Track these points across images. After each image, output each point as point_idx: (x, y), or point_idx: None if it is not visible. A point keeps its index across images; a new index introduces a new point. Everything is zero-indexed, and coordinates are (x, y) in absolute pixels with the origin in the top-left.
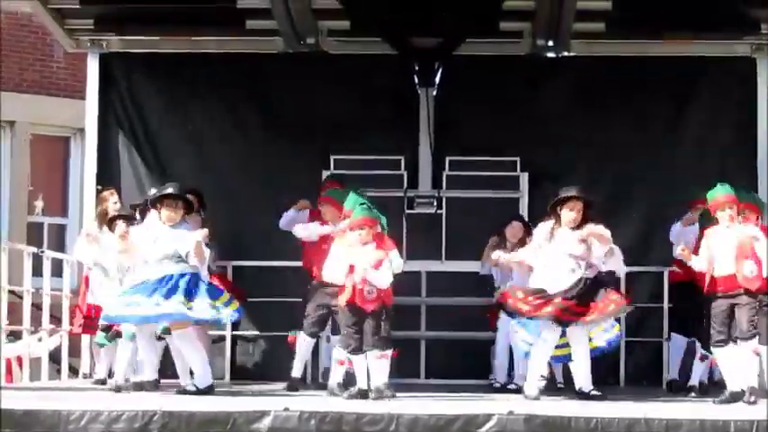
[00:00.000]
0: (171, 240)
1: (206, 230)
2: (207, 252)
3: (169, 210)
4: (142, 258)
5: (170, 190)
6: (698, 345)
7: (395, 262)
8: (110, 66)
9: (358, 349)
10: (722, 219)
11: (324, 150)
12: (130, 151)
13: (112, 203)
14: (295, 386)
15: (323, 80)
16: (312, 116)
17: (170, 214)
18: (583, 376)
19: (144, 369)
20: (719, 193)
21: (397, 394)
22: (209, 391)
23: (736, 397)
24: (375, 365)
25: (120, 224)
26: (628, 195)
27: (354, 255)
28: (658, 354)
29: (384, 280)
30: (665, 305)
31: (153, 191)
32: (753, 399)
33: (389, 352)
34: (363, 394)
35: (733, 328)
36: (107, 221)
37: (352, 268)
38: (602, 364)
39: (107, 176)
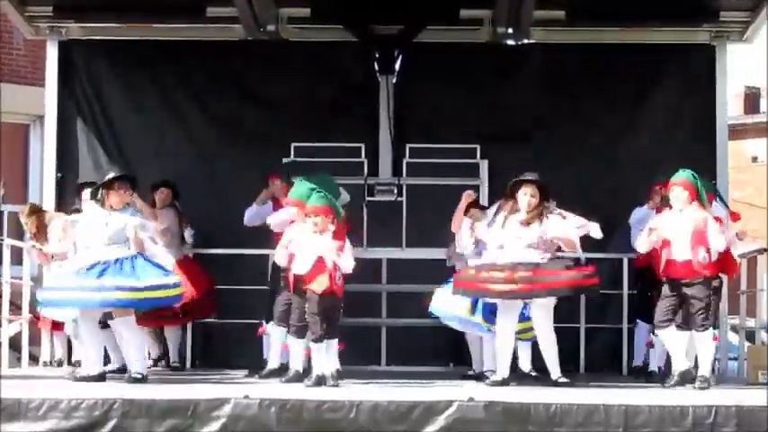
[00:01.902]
0: (116, 225)
1: (137, 221)
2: (147, 242)
3: (117, 195)
4: (82, 244)
5: (114, 174)
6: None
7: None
8: (69, 53)
9: (323, 337)
10: (674, 201)
11: (284, 137)
12: (90, 139)
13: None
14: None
15: (283, 68)
16: (272, 103)
17: (117, 199)
18: (549, 363)
19: (86, 363)
20: (674, 177)
21: (359, 381)
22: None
23: (684, 377)
24: (333, 353)
25: (59, 219)
26: (589, 183)
27: (314, 243)
28: (618, 341)
29: (349, 264)
30: (625, 292)
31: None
32: (705, 384)
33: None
34: (321, 381)
35: (679, 314)
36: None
37: (320, 259)
38: (562, 350)
39: (67, 164)
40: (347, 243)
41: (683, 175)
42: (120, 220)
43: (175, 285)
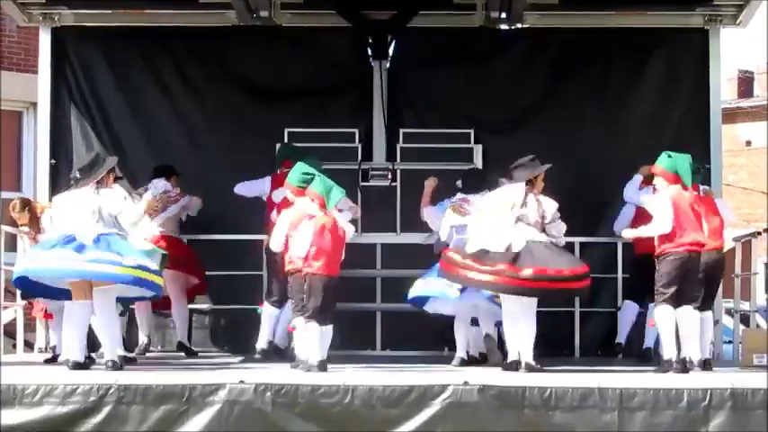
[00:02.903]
0: (98, 200)
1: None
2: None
3: (107, 181)
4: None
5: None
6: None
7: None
8: (62, 40)
9: (310, 318)
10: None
11: (278, 123)
12: (83, 125)
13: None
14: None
15: (276, 53)
16: (266, 89)
17: (107, 185)
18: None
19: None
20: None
21: (354, 366)
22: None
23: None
24: (326, 337)
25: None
26: (582, 167)
27: (301, 229)
28: (612, 324)
29: (299, 248)
30: (620, 276)
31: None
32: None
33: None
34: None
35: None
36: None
37: (312, 242)
38: (556, 334)
39: (60, 151)
40: (306, 225)
41: (659, 164)
42: (107, 194)
43: (156, 273)
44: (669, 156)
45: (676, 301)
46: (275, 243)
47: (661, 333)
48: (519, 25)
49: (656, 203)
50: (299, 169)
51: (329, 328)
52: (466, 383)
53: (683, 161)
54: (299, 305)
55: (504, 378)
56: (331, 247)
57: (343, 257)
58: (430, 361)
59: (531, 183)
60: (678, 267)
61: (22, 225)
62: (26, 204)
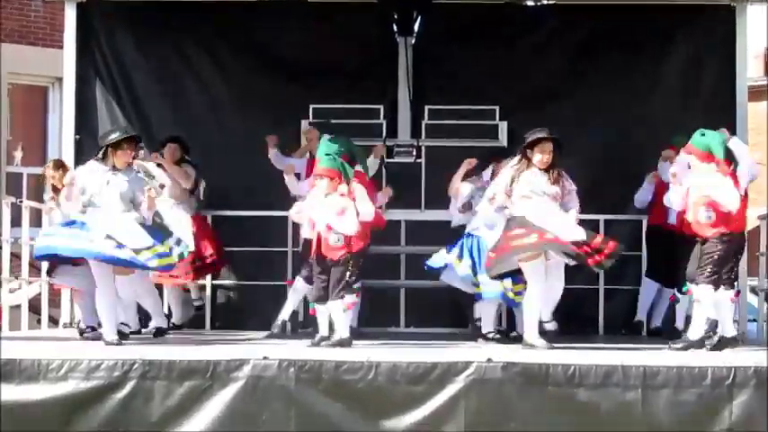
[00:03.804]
0: (128, 186)
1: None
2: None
3: (124, 155)
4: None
5: (120, 134)
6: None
7: (363, 208)
8: (88, 14)
9: (323, 299)
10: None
11: (303, 99)
12: (109, 100)
13: (56, 176)
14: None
15: (302, 29)
16: (291, 65)
17: (123, 160)
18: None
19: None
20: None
21: (377, 342)
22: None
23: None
24: (337, 315)
25: (68, 175)
26: (609, 144)
27: (317, 206)
28: (636, 302)
29: (349, 226)
30: (644, 253)
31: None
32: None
33: (350, 300)
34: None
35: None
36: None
37: (312, 222)
38: (580, 312)
39: (85, 126)
40: (359, 204)
41: (692, 143)
42: (126, 183)
43: (166, 255)
44: (702, 134)
45: (717, 282)
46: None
47: (699, 311)
48: (545, 1)
49: (725, 185)
50: (322, 150)
51: None
52: (489, 360)
53: (714, 138)
54: (341, 284)
55: (528, 355)
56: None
57: None
58: (454, 338)
59: (526, 158)
60: (732, 249)
61: (57, 184)
62: (61, 165)
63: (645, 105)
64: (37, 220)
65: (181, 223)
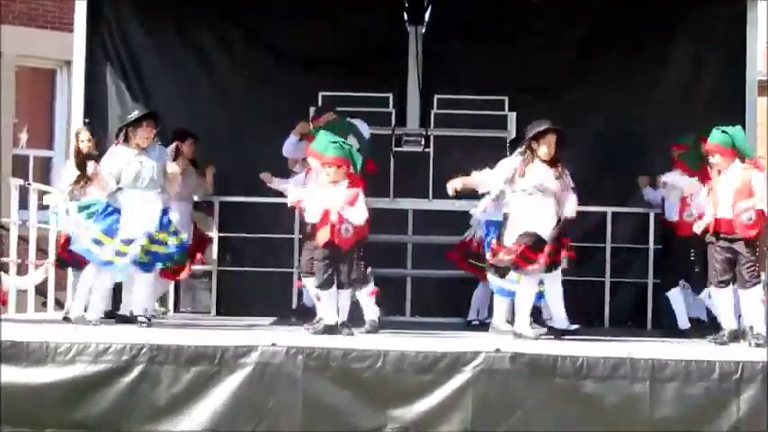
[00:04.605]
0: (156, 163)
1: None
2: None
3: (145, 132)
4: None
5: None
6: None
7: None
8: (99, 1)
9: (328, 284)
10: (715, 167)
11: (312, 87)
12: (118, 84)
13: (85, 140)
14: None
15: (312, 16)
16: (300, 52)
17: (144, 136)
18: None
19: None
20: (708, 143)
21: (384, 331)
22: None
23: (735, 335)
24: (365, 301)
25: (90, 164)
26: (616, 136)
27: (326, 194)
28: (642, 295)
29: (360, 216)
30: (651, 246)
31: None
32: (761, 341)
33: (371, 287)
34: (330, 330)
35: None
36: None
37: (326, 211)
38: (587, 305)
39: (94, 110)
40: (360, 195)
41: (714, 140)
42: (154, 161)
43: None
44: (723, 131)
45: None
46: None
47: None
48: None
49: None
50: (324, 137)
51: None
52: (498, 350)
53: (738, 133)
54: (358, 274)
55: (536, 346)
56: None
57: None
58: (460, 328)
59: (530, 150)
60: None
61: (87, 152)
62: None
63: (651, 97)
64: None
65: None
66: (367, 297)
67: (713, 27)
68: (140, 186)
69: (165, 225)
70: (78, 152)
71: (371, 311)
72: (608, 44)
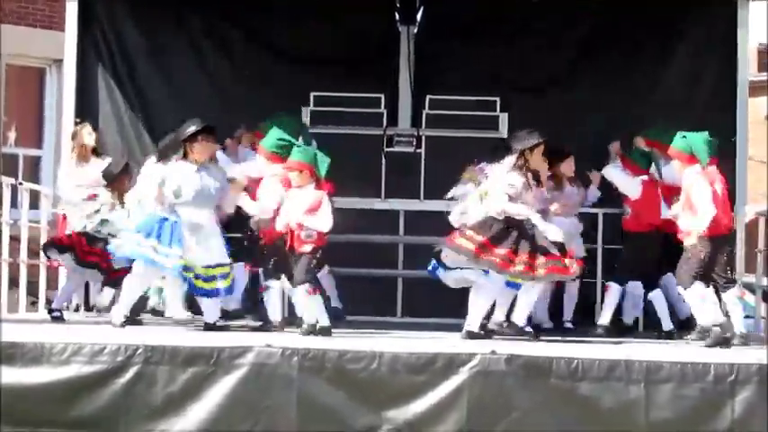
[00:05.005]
0: (208, 181)
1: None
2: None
3: (203, 146)
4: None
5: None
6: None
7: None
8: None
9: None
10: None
11: (304, 87)
12: (109, 84)
13: (87, 135)
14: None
15: (304, 16)
16: (292, 52)
17: (205, 150)
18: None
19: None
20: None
21: (378, 332)
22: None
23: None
24: (305, 302)
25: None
26: (608, 138)
27: (291, 198)
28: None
29: (323, 224)
30: (600, 246)
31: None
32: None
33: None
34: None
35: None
36: (87, 154)
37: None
38: (580, 306)
39: (85, 110)
40: (324, 201)
41: (674, 145)
42: (211, 178)
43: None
44: (684, 136)
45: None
46: (267, 210)
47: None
48: None
49: (697, 191)
50: (275, 135)
51: None
52: (493, 352)
53: (696, 140)
54: (305, 274)
55: (532, 348)
56: None
57: None
58: (451, 329)
59: (524, 161)
60: (711, 248)
61: (85, 146)
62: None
63: (645, 99)
64: (33, 202)
65: None
66: (304, 298)
67: (713, 27)
68: (197, 204)
69: (218, 264)
70: (83, 146)
71: (311, 314)
72: (607, 44)
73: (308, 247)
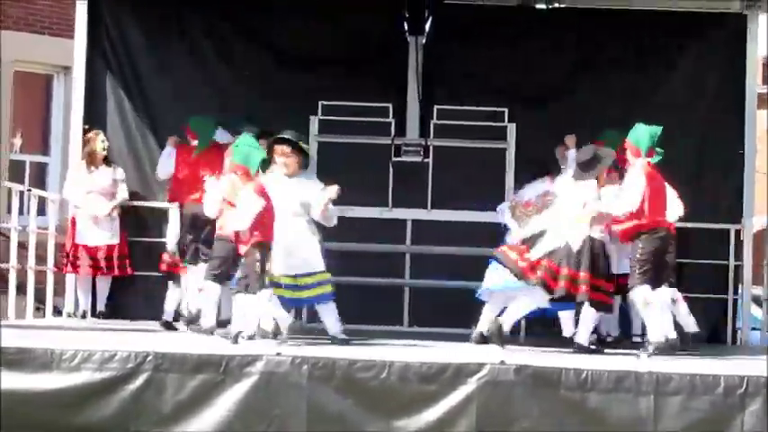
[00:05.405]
0: (294, 192)
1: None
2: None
3: (279, 158)
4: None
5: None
6: None
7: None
8: (97, 4)
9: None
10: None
11: (312, 96)
12: (117, 91)
13: (100, 143)
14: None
15: (311, 25)
16: (300, 61)
17: (282, 162)
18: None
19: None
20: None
21: (387, 341)
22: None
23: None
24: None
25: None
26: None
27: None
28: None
29: (236, 222)
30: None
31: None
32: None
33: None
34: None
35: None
36: (97, 161)
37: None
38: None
39: (93, 117)
40: (246, 199)
41: (627, 138)
42: (304, 190)
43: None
44: (635, 128)
45: (654, 282)
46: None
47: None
48: (556, 4)
49: (629, 181)
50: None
51: None
52: (503, 362)
53: (641, 131)
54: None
55: (541, 359)
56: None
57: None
58: (458, 338)
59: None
60: (657, 247)
61: (96, 153)
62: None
63: (650, 109)
64: (40, 209)
65: None
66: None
67: (721, 39)
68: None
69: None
70: (94, 153)
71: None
72: (609, 57)
73: (242, 248)
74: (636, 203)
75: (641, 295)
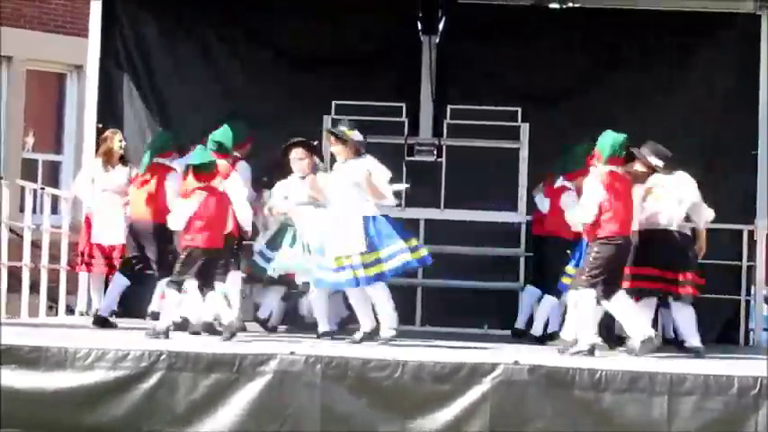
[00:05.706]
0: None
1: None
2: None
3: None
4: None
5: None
6: None
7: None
8: (112, 4)
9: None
10: None
11: (325, 96)
12: (130, 91)
13: (117, 141)
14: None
15: (325, 25)
16: (314, 61)
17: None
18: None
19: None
20: None
21: (401, 341)
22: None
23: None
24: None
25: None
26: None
27: None
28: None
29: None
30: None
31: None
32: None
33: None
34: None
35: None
36: (113, 160)
37: None
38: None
39: (107, 115)
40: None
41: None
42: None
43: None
44: (603, 134)
45: (607, 287)
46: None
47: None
48: (570, 4)
49: (586, 189)
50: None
51: None
52: (516, 362)
53: (604, 139)
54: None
55: (555, 359)
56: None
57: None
58: (470, 338)
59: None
60: (611, 253)
61: (113, 151)
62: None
63: (663, 109)
64: (53, 207)
65: None
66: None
67: (734, 41)
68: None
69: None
70: (110, 151)
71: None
72: (622, 56)
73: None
74: (591, 213)
75: (578, 297)
